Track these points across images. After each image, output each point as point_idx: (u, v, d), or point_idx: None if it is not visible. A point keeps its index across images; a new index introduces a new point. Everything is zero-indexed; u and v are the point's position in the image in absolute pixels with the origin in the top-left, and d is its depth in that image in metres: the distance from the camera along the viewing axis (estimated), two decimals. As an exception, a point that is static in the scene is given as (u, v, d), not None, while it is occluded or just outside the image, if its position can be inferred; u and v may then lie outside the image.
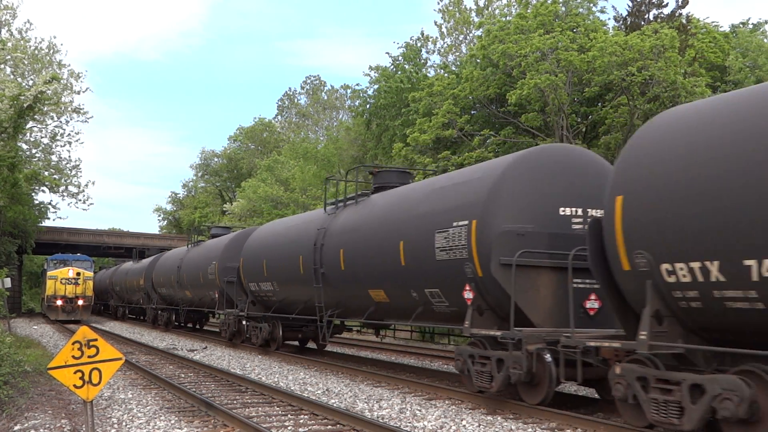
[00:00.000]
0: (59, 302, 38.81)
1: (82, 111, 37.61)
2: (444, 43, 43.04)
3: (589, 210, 10.42)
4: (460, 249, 10.57)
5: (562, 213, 10.30)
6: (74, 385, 7.63)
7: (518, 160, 10.63)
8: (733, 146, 6.70)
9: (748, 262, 6.40)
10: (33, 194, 40.66)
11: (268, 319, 19.02)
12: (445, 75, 33.38)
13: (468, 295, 10.65)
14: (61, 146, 39.92)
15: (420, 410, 10.16)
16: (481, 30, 33.30)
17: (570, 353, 8.97)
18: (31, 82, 31.83)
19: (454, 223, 10.74)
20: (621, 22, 30.60)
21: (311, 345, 20.29)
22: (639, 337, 7.55)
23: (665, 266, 7.24)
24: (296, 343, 20.36)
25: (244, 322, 20.48)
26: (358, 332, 27.28)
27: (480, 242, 10.16)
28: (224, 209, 54.17)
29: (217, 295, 22.76)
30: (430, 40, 42.32)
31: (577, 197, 10.35)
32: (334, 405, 10.32)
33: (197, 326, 32.13)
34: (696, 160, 7.05)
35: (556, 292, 9.95)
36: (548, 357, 9.38)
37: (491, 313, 10.51)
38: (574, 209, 10.32)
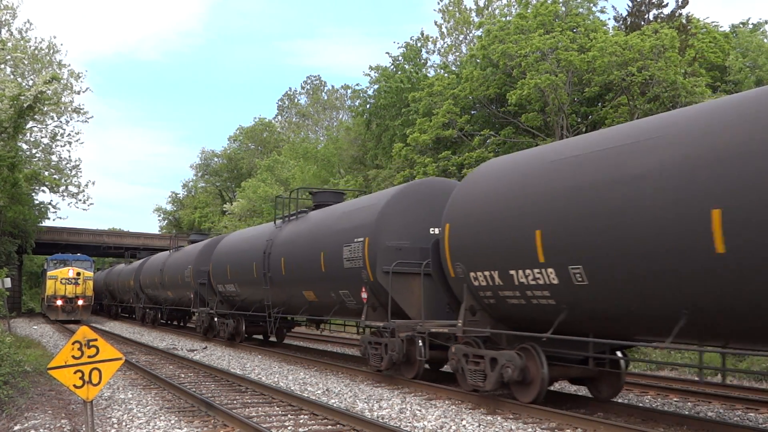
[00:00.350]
0: (59, 302, 38.78)
1: (82, 111, 37.65)
2: (444, 43, 43.07)
3: None
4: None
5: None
6: (74, 385, 7.63)
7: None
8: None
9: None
10: (33, 194, 40.67)
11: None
12: (445, 75, 33.39)
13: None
14: (61, 146, 39.99)
15: (420, 410, 10.16)
16: (481, 30, 33.31)
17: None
18: (31, 82, 31.83)
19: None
20: (621, 22, 30.61)
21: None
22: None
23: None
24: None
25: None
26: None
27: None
28: (224, 209, 54.19)
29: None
30: (430, 40, 42.34)
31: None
32: (334, 405, 10.32)
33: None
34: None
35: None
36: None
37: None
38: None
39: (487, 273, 10.06)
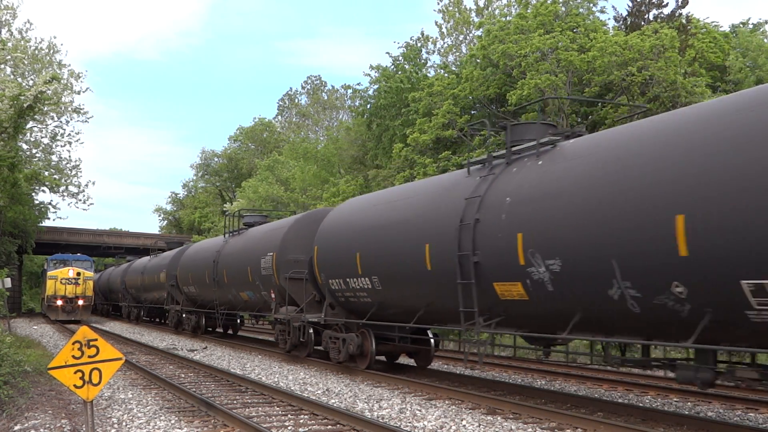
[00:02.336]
0: (59, 302, 38.78)
1: (82, 111, 37.64)
2: (444, 43, 43.03)
3: None
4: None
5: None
6: (74, 385, 7.63)
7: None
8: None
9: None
10: (33, 194, 40.63)
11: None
12: (445, 75, 33.37)
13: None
14: (61, 146, 39.94)
15: (420, 410, 10.17)
16: (481, 30, 33.30)
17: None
18: (31, 82, 31.82)
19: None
20: (621, 22, 30.60)
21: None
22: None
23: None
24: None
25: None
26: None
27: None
28: (224, 209, 54.18)
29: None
30: (430, 40, 42.31)
31: None
32: (334, 405, 10.32)
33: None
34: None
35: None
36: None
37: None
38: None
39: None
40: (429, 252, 11.27)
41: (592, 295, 8.44)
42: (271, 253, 17.96)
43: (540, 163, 9.83)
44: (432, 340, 14.96)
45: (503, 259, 9.66)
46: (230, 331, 27.58)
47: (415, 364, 15.73)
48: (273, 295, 18.28)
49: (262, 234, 20.18)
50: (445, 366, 16.93)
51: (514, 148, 10.80)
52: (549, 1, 27.41)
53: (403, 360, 16.72)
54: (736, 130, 7.00)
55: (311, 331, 16.71)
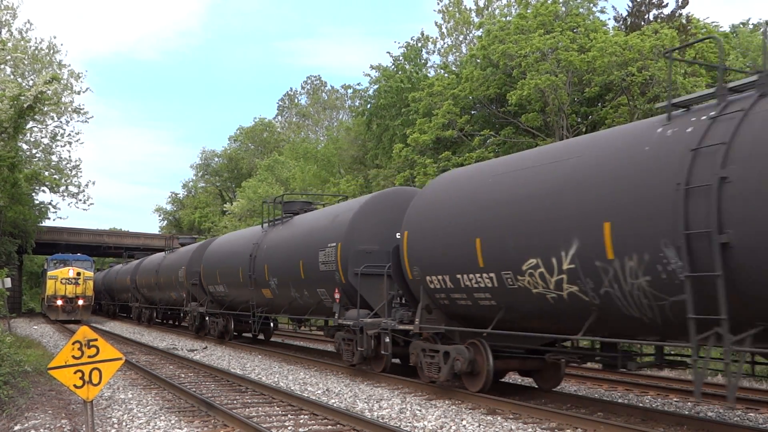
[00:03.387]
0: (59, 302, 38.78)
1: (82, 111, 37.67)
2: (444, 43, 43.07)
3: None
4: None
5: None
6: (74, 385, 7.64)
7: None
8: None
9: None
10: (33, 194, 40.65)
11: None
12: (445, 75, 33.38)
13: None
14: (61, 146, 40.00)
15: (420, 410, 10.17)
16: (481, 30, 33.31)
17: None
18: (31, 82, 31.84)
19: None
20: (621, 22, 30.62)
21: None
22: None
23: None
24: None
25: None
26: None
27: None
28: (224, 209, 54.19)
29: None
30: (431, 40, 42.34)
31: None
32: (334, 405, 10.32)
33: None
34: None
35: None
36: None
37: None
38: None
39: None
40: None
41: None
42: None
43: None
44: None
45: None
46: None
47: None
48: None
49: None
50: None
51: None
52: (549, 1, 27.42)
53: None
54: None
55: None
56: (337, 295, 15.00)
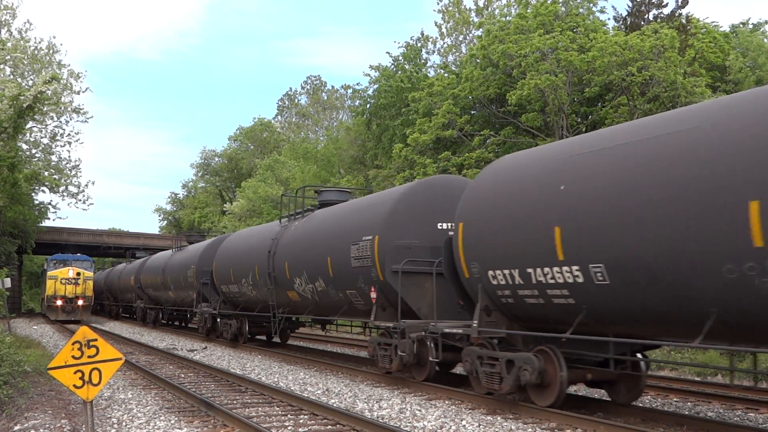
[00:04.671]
0: (59, 302, 38.77)
1: (81, 111, 37.67)
2: (444, 43, 43.07)
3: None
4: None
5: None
6: (74, 385, 7.63)
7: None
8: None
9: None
10: (33, 194, 40.67)
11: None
12: (445, 75, 33.38)
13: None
14: (61, 146, 40.02)
15: (420, 410, 10.16)
16: (481, 30, 33.31)
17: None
18: (31, 82, 31.83)
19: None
20: (621, 22, 30.62)
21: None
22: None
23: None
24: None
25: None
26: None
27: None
28: (224, 209, 54.18)
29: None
30: (430, 40, 42.34)
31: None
32: (334, 405, 10.32)
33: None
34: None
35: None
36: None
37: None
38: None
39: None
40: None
41: None
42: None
43: None
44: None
45: None
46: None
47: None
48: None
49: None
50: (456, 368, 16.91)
51: None
52: (549, 1, 27.42)
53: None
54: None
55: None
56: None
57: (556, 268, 8.85)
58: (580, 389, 12.61)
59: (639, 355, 10.11)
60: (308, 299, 16.43)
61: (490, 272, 10.02)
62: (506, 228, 9.77)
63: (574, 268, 8.56)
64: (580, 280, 8.54)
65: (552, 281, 8.97)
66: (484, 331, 10.28)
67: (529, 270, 9.30)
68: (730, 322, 7.24)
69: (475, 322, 10.30)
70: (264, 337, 22.78)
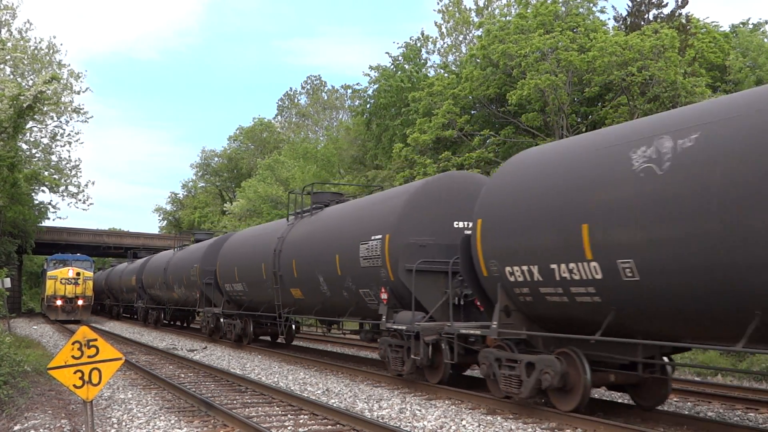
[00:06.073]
0: (59, 302, 38.79)
1: (81, 111, 37.65)
2: (444, 43, 43.09)
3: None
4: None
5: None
6: (74, 385, 7.63)
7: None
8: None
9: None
10: (33, 194, 40.66)
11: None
12: (445, 75, 33.39)
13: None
14: (61, 146, 39.99)
15: (420, 410, 10.16)
16: (481, 30, 33.32)
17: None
18: (31, 82, 31.82)
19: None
20: (621, 22, 30.62)
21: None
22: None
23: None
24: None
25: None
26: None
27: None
28: (224, 209, 54.19)
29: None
30: (430, 40, 42.36)
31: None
32: (334, 405, 10.32)
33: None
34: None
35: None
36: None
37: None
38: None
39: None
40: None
41: None
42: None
43: None
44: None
45: None
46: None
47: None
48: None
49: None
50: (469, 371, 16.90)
51: None
52: (549, 1, 27.43)
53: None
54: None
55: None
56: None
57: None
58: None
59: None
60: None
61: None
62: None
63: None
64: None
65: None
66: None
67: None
68: None
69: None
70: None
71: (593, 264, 8.22)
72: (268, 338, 22.49)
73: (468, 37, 42.02)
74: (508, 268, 9.61)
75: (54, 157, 40.50)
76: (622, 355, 9.15)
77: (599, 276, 8.14)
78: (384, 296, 12.90)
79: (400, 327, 12.28)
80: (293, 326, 21.28)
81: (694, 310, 7.46)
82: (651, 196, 7.51)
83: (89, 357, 7.68)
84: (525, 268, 9.30)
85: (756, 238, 6.57)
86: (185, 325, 34.05)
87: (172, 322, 34.42)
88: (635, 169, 7.80)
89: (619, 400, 11.25)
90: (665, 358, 9.76)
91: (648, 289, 7.67)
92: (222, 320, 22.51)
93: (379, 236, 12.81)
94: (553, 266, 8.81)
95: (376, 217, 13.37)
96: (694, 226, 7.09)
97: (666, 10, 29.64)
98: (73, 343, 7.66)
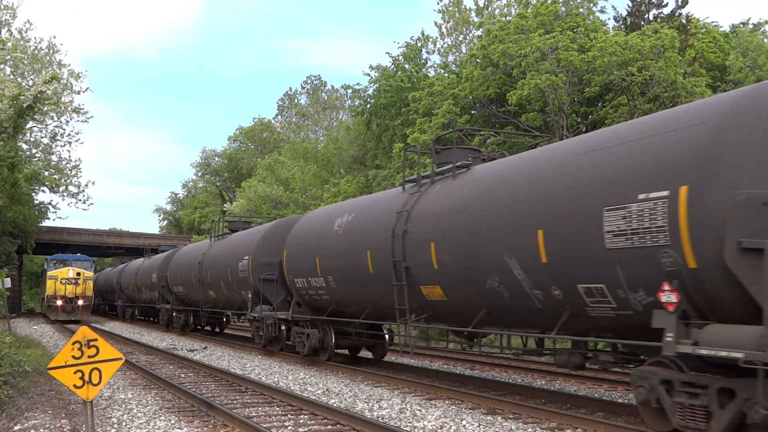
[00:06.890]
0: (59, 302, 38.79)
1: (81, 111, 37.65)
2: (444, 43, 43.06)
3: None
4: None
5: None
6: (74, 385, 7.63)
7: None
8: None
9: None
10: (33, 194, 40.65)
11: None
12: (445, 75, 33.39)
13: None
14: (61, 146, 39.98)
15: (420, 410, 10.17)
16: (481, 30, 33.31)
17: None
18: (31, 82, 31.80)
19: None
20: (621, 22, 30.60)
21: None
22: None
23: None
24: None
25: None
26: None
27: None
28: (224, 209, 54.19)
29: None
30: (430, 40, 42.34)
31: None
32: (334, 405, 10.32)
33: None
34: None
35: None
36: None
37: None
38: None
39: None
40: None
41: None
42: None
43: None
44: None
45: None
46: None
47: (632, 402, 10.30)
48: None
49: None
50: (445, 366, 16.94)
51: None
52: (549, 1, 27.42)
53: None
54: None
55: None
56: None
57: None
58: (580, 389, 12.59)
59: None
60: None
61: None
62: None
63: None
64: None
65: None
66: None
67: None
68: None
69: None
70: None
71: (321, 278, 15.43)
72: (209, 328, 23.99)
73: (468, 37, 42.01)
74: (296, 279, 16.67)
75: (54, 157, 40.53)
76: (348, 327, 15.67)
77: (324, 284, 15.38)
78: (249, 295, 19.62)
79: (255, 315, 19.07)
80: (224, 319, 23.68)
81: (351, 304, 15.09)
82: (337, 243, 14.69)
83: (89, 357, 7.68)
84: (302, 279, 16.35)
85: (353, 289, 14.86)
86: (153, 319, 31.65)
87: (143, 317, 33.41)
88: (335, 229, 14.90)
89: (619, 400, 11.25)
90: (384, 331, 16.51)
91: (341, 291, 15.00)
92: (173, 314, 22.20)
93: (247, 257, 19.36)
94: (310, 279, 15.89)
95: (247, 244, 20.35)
96: (348, 258, 14.44)
97: (666, 10, 29.63)
98: (73, 343, 7.66)
